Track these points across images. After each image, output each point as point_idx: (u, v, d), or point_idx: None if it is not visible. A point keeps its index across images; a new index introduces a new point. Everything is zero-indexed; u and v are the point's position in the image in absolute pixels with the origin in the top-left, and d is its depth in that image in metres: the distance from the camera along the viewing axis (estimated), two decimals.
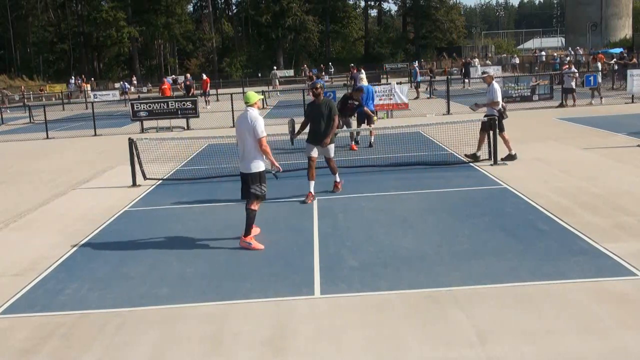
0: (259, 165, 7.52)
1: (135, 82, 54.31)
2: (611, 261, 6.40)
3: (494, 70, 39.89)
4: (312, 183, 9.86)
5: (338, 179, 10.44)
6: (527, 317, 5.19)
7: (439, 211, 8.77)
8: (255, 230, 7.86)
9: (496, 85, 12.34)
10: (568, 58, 34.38)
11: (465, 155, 12.51)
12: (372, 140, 15.20)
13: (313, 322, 5.37)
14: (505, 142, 12.24)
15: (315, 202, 9.69)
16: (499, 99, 12.22)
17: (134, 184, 11.95)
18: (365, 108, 14.89)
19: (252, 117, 7.48)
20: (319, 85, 9.90)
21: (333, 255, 7.11)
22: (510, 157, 12.20)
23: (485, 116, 12.38)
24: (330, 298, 5.87)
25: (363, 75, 17.61)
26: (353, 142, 15.21)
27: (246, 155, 7.52)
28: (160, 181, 12.37)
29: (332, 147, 10.00)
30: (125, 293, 6.31)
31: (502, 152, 12.15)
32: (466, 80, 37.88)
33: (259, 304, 5.83)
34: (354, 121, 15.33)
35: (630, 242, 6.97)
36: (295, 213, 9.11)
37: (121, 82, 48.33)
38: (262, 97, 8.01)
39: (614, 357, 4.50)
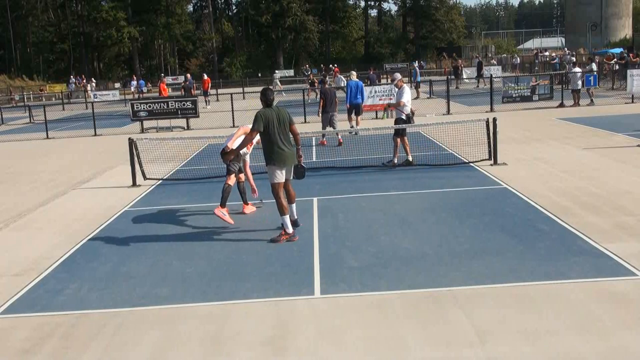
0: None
1: (135, 81, 54.22)
2: (611, 261, 6.40)
3: (495, 70, 39.85)
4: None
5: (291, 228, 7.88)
6: (527, 317, 5.19)
7: (439, 211, 8.77)
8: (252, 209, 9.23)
9: (406, 89, 12.43)
10: (574, 59, 34.35)
11: (395, 164, 12.43)
12: (357, 128, 17.14)
13: (313, 322, 5.37)
14: (405, 146, 12.34)
15: (315, 202, 9.69)
16: (403, 99, 12.25)
17: (134, 184, 11.95)
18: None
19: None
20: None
21: (333, 255, 7.10)
22: (408, 162, 12.28)
23: (395, 122, 12.56)
24: (330, 298, 5.87)
25: (354, 73, 19.40)
26: (324, 139, 16.30)
27: None
28: (160, 181, 12.37)
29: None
30: (125, 293, 6.31)
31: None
32: (461, 79, 37.71)
33: (259, 304, 5.83)
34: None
35: (630, 242, 6.97)
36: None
37: (137, 81, 48.22)
38: None
39: (614, 357, 4.49)
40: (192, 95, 26.91)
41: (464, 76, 39.78)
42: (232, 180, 8.80)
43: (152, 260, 7.34)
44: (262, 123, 7.58)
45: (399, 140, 12.34)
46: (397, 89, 12.70)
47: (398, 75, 13.08)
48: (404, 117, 12.29)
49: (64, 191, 12.08)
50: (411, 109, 12.41)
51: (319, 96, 17.85)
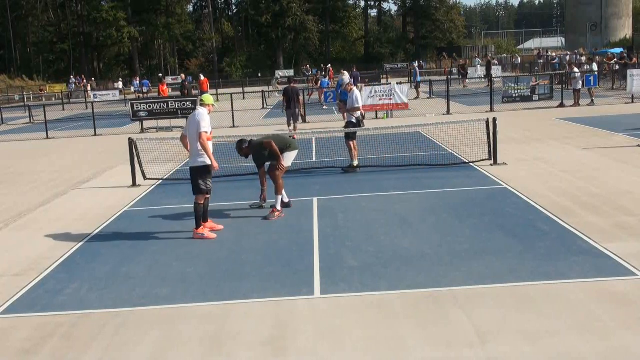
0: (204, 160, 7.98)
1: (137, 81, 54.20)
2: (611, 261, 6.40)
3: (495, 70, 39.79)
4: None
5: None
6: (527, 317, 5.19)
7: (439, 211, 8.77)
8: (217, 227, 8.38)
9: (356, 93, 12.40)
10: (582, 59, 34.29)
11: (343, 168, 12.33)
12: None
13: (313, 322, 5.37)
14: (351, 150, 12.21)
15: (315, 202, 9.69)
16: (358, 104, 12.24)
17: (134, 184, 11.95)
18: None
19: (198, 114, 8.03)
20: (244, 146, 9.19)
21: (333, 255, 7.10)
22: (352, 167, 12.15)
23: (345, 126, 12.52)
24: (330, 298, 5.87)
25: (346, 73, 20.13)
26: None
27: (192, 150, 8.05)
28: (160, 181, 12.37)
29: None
30: (125, 293, 6.31)
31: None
32: (463, 79, 37.65)
33: (259, 304, 5.83)
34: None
35: (630, 242, 6.97)
36: (295, 213, 9.11)
37: (139, 81, 48.06)
38: (215, 104, 8.43)
39: (614, 357, 4.49)
40: (193, 95, 26.90)
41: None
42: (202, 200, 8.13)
43: (152, 260, 7.34)
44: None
45: (352, 143, 12.29)
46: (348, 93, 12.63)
47: (346, 79, 12.96)
48: (354, 120, 12.27)
49: (64, 191, 12.08)
50: (361, 113, 12.41)
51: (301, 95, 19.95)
